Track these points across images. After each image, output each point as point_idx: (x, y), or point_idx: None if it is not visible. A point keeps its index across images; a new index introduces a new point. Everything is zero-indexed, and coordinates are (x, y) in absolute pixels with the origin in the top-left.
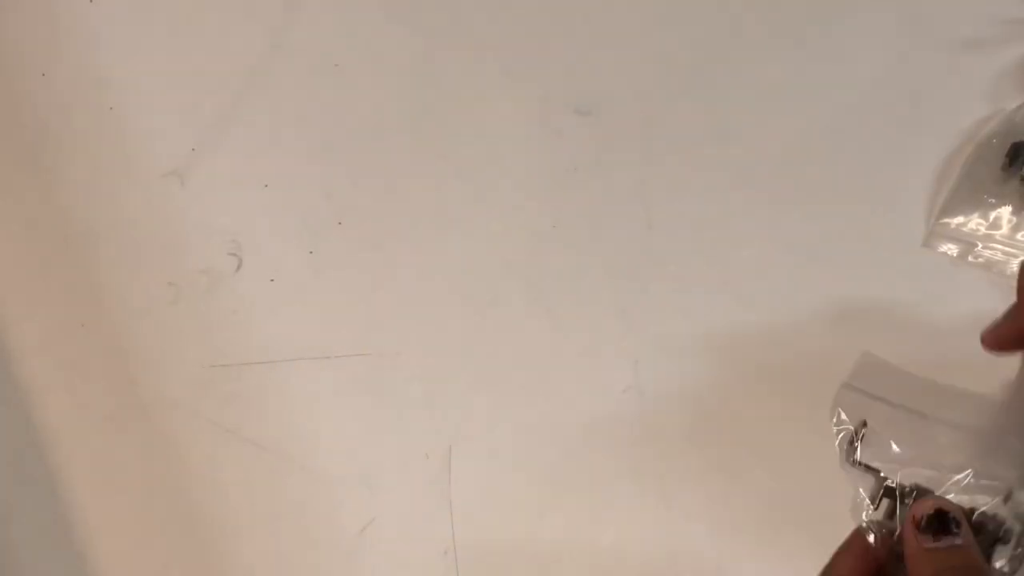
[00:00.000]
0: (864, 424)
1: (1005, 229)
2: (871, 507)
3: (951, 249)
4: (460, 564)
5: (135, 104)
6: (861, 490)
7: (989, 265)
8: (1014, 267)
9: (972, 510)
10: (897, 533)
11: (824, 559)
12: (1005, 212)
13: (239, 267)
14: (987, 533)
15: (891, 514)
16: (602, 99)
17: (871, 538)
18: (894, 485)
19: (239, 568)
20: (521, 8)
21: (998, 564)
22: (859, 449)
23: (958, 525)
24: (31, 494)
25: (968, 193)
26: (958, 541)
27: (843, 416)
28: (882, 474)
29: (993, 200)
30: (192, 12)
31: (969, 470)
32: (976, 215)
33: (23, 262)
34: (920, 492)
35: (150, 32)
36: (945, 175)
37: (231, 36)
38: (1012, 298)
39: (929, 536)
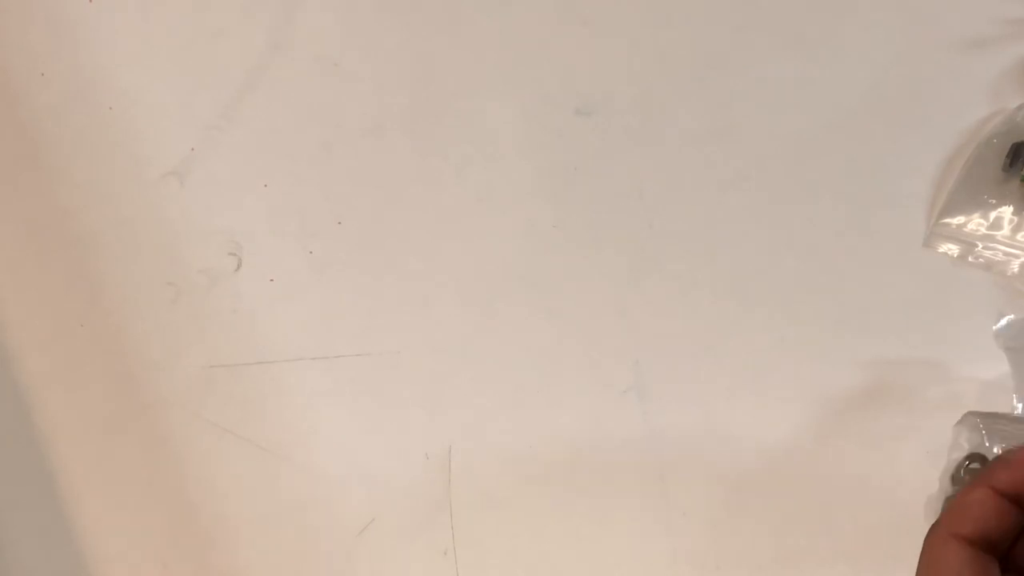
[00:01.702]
0: None
1: (1006, 229)
2: None
3: (951, 249)
4: (460, 564)
5: (135, 104)
6: None
7: (989, 265)
8: (1015, 268)
9: None
10: None
11: (824, 559)
12: (1006, 212)
13: (239, 267)
14: None
15: None
16: (602, 99)
17: None
18: None
19: (239, 568)
20: (521, 8)
21: None
22: None
23: None
24: (31, 494)
25: (969, 193)
26: None
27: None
28: None
29: (994, 200)
30: (192, 12)
31: None
32: (977, 215)
33: (22, 262)
34: None
35: (150, 32)
36: (945, 175)
37: (231, 36)
38: (1011, 299)
39: None
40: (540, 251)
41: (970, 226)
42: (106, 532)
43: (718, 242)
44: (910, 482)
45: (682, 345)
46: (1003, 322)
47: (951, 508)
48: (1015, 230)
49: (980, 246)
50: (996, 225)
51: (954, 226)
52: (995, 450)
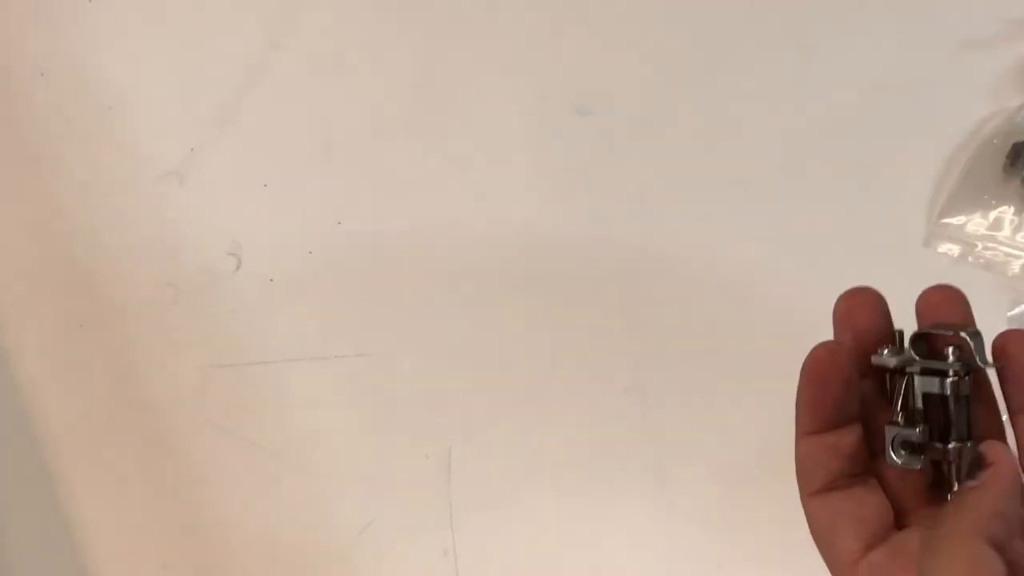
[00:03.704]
0: None
1: (1006, 230)
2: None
3: (952, 249)
4: (460, 564)
5: (134, 104)
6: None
7: (989, 266)
8: (1015, 268)
9: None
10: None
11: (822, 559)
12: (1006, 213)
13: (238, 267)
14: None
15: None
16: (602, 99)
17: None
18: None
19: (238, 568)
20: (521, 8)
21: None
22: None
23: None
24: (31, 494)
25: (969, 193)
26: None
27: None
28: None
29: (994, 200)
30: (192, 12)
31: None
32: (977, 215)
33: (22, 262)
34: None
35: (149, 32)
36: (946, 175)
37: (231, 36)
38: (1012, 299)
39: None
40: (540, 251)
41: (970, 226)
42: (106, 532)
43: (718, 242)
44: None
45: (682, 345)
46: (1018, 310)
47: (797, 475)
48: (1015, 230)
49: (980, 246)
50: (996, 225)
51: (954, 226)
52: None
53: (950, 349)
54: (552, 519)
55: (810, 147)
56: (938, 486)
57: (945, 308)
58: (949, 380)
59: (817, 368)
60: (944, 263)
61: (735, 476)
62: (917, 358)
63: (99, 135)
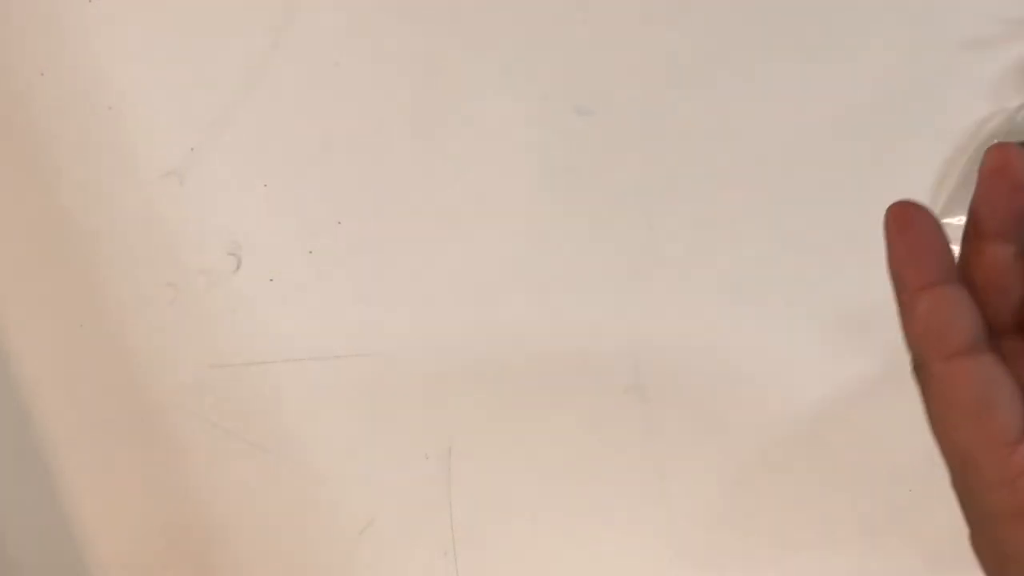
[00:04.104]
0: None
1: None
2: None
3: (951, 249)
4: (460, 564)
5: (134, 103)
6: None
7: None
8: None
9: None
10: None
11: (823, 559)
12: None
13: (238, 267)
14: None
15: None
16: (602, 99)
17: None
18: None
19: (239, 568)
20: (521, 8)
21: None
22: None
23: None
24: (31, 494)
25: (969, 193)
26: None
27: None
28: None
29: None
30: (192, 11)
31: None
32: None
33: (21, 262)
34: None
35: (149, 31)
36: (946, 175)
37: (231, 35)
38: None
39: None
40: (540, 251)
41: None
42: (106, 532)
43: (718, 242)
44: (908, 472)
45: (682, 345)
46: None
47: (919, 338)
48: None
49: None
50: None
51: (954, 226)
52: None
53: None
54: (552, 519)
55: (810, 147)
56: None
57: None
58: None
59: (905, 213)
60: None
61: (735, 476)
62: None
63: (99, 135)
